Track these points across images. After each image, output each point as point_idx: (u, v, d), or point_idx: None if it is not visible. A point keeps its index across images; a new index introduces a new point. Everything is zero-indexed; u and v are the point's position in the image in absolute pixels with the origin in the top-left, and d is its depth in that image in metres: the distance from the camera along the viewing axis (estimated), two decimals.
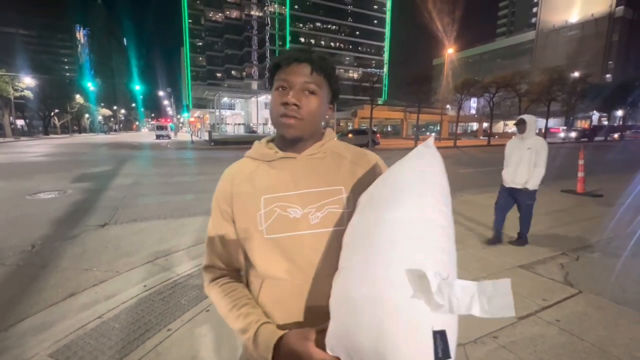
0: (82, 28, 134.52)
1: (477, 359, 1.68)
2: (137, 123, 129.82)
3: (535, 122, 3.08)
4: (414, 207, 0.54)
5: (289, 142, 0.72)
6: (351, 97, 57.13)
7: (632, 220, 4.18)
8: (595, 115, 48.96)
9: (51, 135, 43.21)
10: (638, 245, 3.30)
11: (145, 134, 61.65)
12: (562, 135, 34.46)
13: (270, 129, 63.13)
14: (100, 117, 71.40)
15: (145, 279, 2.69)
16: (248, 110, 62.25)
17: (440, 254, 0.51)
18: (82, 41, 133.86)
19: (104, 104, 76.64)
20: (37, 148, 19.69)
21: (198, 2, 75.60)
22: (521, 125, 3.04)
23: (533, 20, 71.60)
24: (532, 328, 1.91)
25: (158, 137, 36.70)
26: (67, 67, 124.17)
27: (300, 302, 0.67)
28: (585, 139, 31.68)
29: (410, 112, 37.85)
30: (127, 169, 10.05)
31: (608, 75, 54.28)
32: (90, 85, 57.65)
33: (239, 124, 62.88)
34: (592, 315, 2.05)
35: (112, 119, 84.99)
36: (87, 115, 61.16)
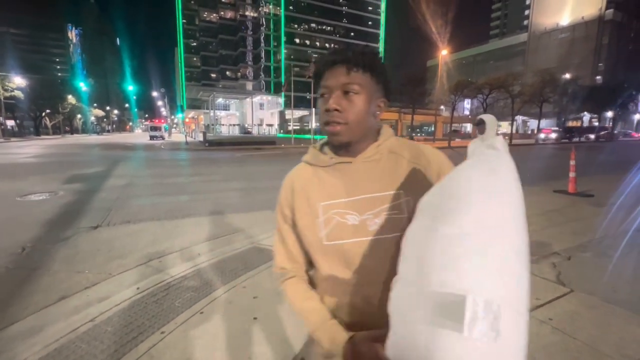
0: (74, 27, 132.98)
1: None
2: (130, 124, 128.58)
3: (495, 122, 3.08)
4: (472, 222, 0.47)
5: (339, 147, 0.71)
6: None
7: (623, 220, 4.24)
8: (586, 117, 49.76)
9: (42, 136, 42.58)
10: (628, 245, 3.35)
11: (138, 135, 61.09)
12: (542, 136, 34.71)
13: (265, 129, 63.22)
14: (92, 118, 70.60)
15: (139, 281, 2.66)
16: (243, 110, 62.11)
17: (504, 277, 0.44)
18: (74, 41, 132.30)
19: (96, 105, 75.79)
20: (28, 149, 19.39)
21: (192, 2, 75.17)
22: (480, 126, 3.06)
23: (525, 22, 72.53)
24: None
25: (152, 137, 36.37)
26: (58, 66, 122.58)
27: (361, 305, 0.68)
28: (566, 140, 32.09)
29: (405, 113, 38.06)
30: (120, 170, 9.94)
31: (598, 77, 55.16)
32: (83, 86, 57.03)
33: (234, 125, 62.76)
34: (584, 314, 2.08)
35: (104, 120, 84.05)
36: (79, 116, 60.45)
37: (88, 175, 8.65)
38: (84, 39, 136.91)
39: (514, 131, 36.85)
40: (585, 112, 44.03)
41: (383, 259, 0.65)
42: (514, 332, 0.43)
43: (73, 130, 60.59)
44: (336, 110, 0.66)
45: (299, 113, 53.77)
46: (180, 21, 76.74)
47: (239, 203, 5.61)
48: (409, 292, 0.50)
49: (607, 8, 57.66)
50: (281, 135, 50.03)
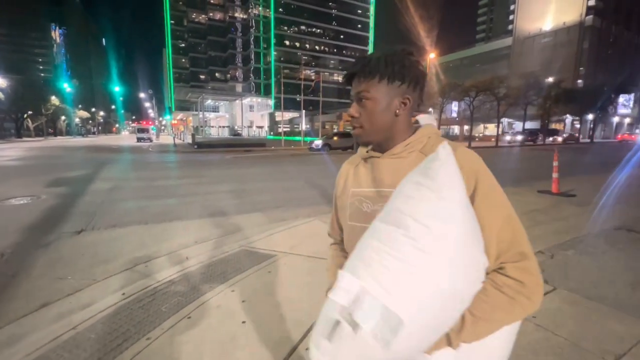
0: (57, 27, 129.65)
1: None
2: (117, 126, 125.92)
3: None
4: (391, 218, 0.57)
5: (376, 145, 0.81)
6: (336, 100, 57.53)
7: (603, 218, 4.39)
8: (569, 119, 51.25)
9: (24, 138, 41.31)
10: (608, 243, 3.47)
11: (125, 137, 59.87)
12: (507, 138, 35.37)
13: (255, 131, 62.86)
14: (77, 120, 68.84)
15: (124, 287, 2.61)
16: (233, 112, 61.67)
17: (385, 270, 0.53)
18: (58, 41, 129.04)
19: (81, 106, 73.95)
20: (9, 152, 18.77)
21: (180, 3, 74.38)
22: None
23: (510, 27, 74.37)
24: None
25: (139, 140, 35.70)
26: (41, 67, 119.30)
27: None
28: (531, 142, 32.76)
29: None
30: (106, 173, 9.73)
31: (579, 81, 56.93)
32: (67, 86, 55.61)
33: (223, 127, 62.24)
34: (566, 311, 2.14)
35: (90, 122, 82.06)
36: (63, 118, 58.92)
37: (72, 179, 8.44)
38: (68, 39, 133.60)
39: (499, 132, 37.64)
40: (568, 115, 45.35)
41: None
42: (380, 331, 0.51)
43: (57, 132, 58.95)
44: (353, 116, 0.76)
45: (289, 115, 53.70)
46: (168, 22, 75.80)
47: (229, 205, 5.56)
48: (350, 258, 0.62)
49: (587, 14, 59.67)
50: (271, 137, 49.85)
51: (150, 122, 50.96)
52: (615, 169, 9.83)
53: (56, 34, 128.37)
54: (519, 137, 34.29)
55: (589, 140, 41.96)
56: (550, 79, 36.03)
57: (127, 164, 13.46)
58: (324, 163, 13.53)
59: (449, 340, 0.62)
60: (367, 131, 0.76)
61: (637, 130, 56.28)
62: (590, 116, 41.79)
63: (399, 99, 0.74)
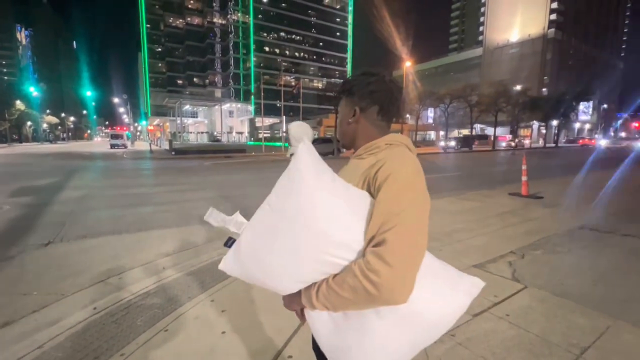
0: (23, 28, 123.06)
1: (436, 357, 1.76)
2: (88, 131, 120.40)
3: (299, 131, 3.18)
4: (270, 196, 0.78)
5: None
6: (316, 106, 57.92)
7: (568, 219, 4.66)
8: (536, 125, 54.19)
9: None
10: (572, 242, 3.68)
11: (97, 143, 57.32)
12: (442, 144, 35.40)
13: (235, 137, 61.91)
14: (45, 125, 65.24)
15: (95, 301, 2.49)
16: (212, 118, 60.58)
17: (253, 220, 0.80)
18: (24, 42, 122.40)
19: (49, 111, 70.19)
20: None
21: (157, 7, 72.74)
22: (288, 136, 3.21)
23: (480, 38, 78.11)
24: (485, 324, 2.05)
25: (113, 146, 34.27)
26: (5, 70, 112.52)
27: None
28: (467, 148, 32.82)
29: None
30: (77, 181, 9.27)
31: (544, 89, 60.49)
32: (33, 90, 52.72)
33: (202, 133, 60.93)
34: (536, 308, 2.24)
35: (59, 127, 78.01)
36: (29, 123, 55.70)
37: (39, 187, 7.97)
38: (36, 41, 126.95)
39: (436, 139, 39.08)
40: (535, 121, 47.98)
41: None
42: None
43: (22, 139, 55.55)
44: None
45: (269, 121, 53.45)
46: (144, 26, 73.81)
47: None
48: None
49: (549, 27, 63.81)
50: (252, 143, 49.34)
51: (124, 128, 49.11)
52: (578, 172, 10.47)
53: (22, 36, 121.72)
54: (452, 143, 33.78)
55: (554, 145, 44.49)
56: (518, 87, 38.05)
57: (99, 171, 12.89)
58: None
59: (310, 295, 0.74)
60: (343, 139, 0.97)
61: (596, 135, 60.28)
62: (554, 122, 44.40)
63: (351, 110, 0.92)
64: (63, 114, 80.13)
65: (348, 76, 0.96)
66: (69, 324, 2.15)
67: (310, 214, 0.70)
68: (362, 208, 0.73)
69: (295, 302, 0.82)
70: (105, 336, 2.02)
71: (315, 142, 21.65)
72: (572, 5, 64.33)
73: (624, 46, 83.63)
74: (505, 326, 2.03)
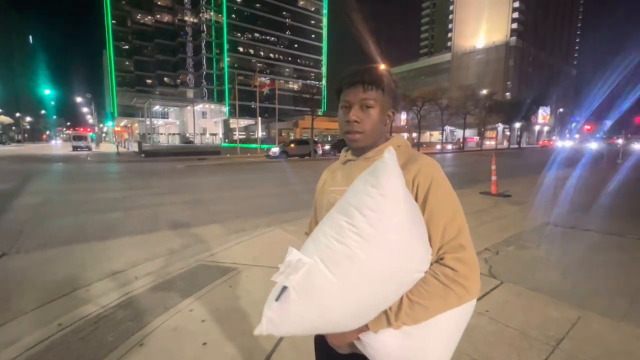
0: None
1: None
2: (47, 133, 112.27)
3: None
4: (342, 208, 0.70)
5: (354, 150, 0.90)
6: (292, 108, 57.74)
7: (535, 215, 4.93)
8: (500, 127, 57.34)
9: None
10: (540, 238, 3.89)
11: (58, 146, 53.56)
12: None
13: (209, 139, 60.37)
14: None
15: (60, 316, 2.28)
16: (184, 119, 58.55)
17: (329, 251, 0.65)
18: None
19: (2, 111, 64.63)
20: None
21: (123, 2, 69.33)
22: None
23: (449, 44, 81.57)
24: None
25: (75, 148, 32.15)
26: None
27: None
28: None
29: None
30: (34, 186, 8.58)
31: (508, 94, 64.20)
32: None
33: (174, 134, 58.73)
34: (513, 303, 2.34)
35: (13, 128, 72.09)
36: None
37: None
38: None
39: (443, 139, 40.81)
40: (500, 124, 50.78)
41: None
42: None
43: None
44: (356, 121, 0.82)
45: (244, 122, 52.55)
46: (109, 21, 69.97)
47: (183, 217, 5.22)
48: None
49: (511, 35, 67.91)
50: (226, 144, 48.26)
51: (88, 129, 46.24)
52: (541, 171, 11.16)
53: None
54: None
55: (517, 146, 47.26)
56: (484, 92, 40.11)
57: (60, 175, 12.02)
58: (282, 170, 13.41)
59: (388, 319, 0.70)
60: (366, 136, 0.84)
61: (554, 137, 64.76)
62: (517, 125, 47.22)
63: (388, 112, 0.86)
64: (18, 114, 74.18)
65: (379, 68, 0.85)
66: (28, 344, 1.96)
67: (407, 234, 0.66)
68: (420, 216, 0.73)
69: (349, 335, 0.73)
70: (71, 356, 1.86)
71: (292, 143, 21.53)
72: (531, 15, 68.86)
73: (576, 55, 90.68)
74: (485, 322, 2.09)
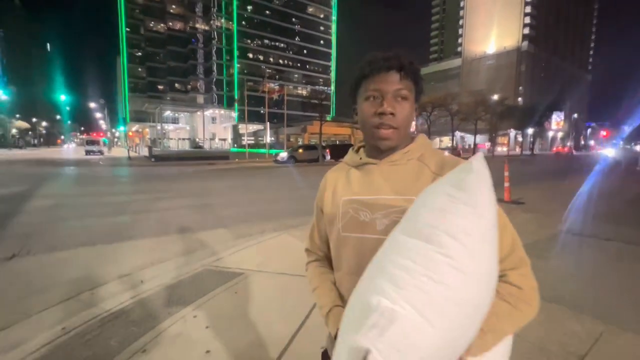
0: None
1: None
2: (62, 137, 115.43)
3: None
4: (421, 233, 0.52)
5: (377, 149, 0.74)
6: (300, 114, 58.02)
7: (550, 224, 4.75)
8: (512, 133, 56.45)
9: None
10: (558, 247, 3.74)
11: (72, 150, 54.96)
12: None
13: (218, 144, 61.08)
14: (14, 131, 61.96)
15: (64, 320, 2.26)
16: (193, 124, 59.44)
17: (422, 294, 0.48)
18: None
19: (20, 116, 66.79)
20: None
21: (137, 11, 71.28)
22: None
23: (459, 49, 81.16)
24: None
25: (88, 152, 32.90)
26: None
27: None
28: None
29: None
30: (47, 189, 8.74)
31: (520, 99, 63.32)
32: (2, 94, 50.18)
33: (184, 139, 59.63)
34: None
35: (30, 133, 74.35)
36: None
37: (3, 196, 7.45)
38: (7, 43, 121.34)
39: (453, 145, 40.32)
40: (512, 129, 50.00)
41: None
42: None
43: None
44: (391, 114, 0.69)
45: (253, 127, 53.05)
46: (123, 29, 71.99)
47: (190, 222, 5.22)
48: (358, 291, 0.56)
49: (523, 40, 67.23)
50: (235, 149, 48.73)
51: (101, 134, 47.35)
52: (555, 178, 10.87)
53: None
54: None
55: (530, 153, 46.39)
56: (495, 97, 39.61)
57: (73, 178, 12.26)
58: (290, 175, 13.40)
59: (482, 347, 0.60)
60: (401, 133, 0.72)
61: (568, 144, 63.43)
62: (530, 130, 46.43)
63: (416, 106, 0.76)
64: (34, 119, 76.50)
65: (408, 57, 0.71)
66: (32, 348, 1.93)
67: (495, 253, 0.54)
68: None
69: None
70: None
71: (300, 148, 21.58)
72: (544, 20, 68.11)
73: (590, 60, 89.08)
74: None
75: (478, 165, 0.54)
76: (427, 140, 0.78)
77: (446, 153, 0.78)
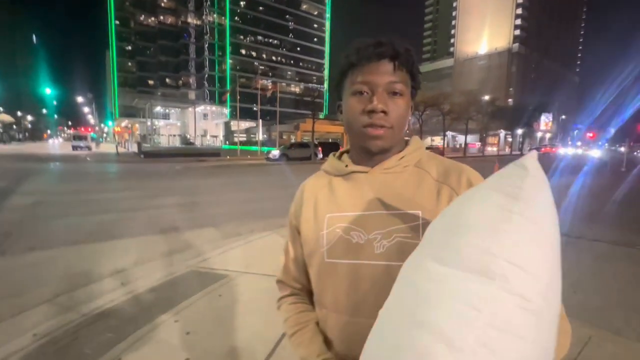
0: None
1: None
2: (48, 132, 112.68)
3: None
4: (470, 261, 0.36)
5: (367, 154, 0.62)
6: (293, 111, 57.78)
7: None
8: (502, 134, 57.25)
9: None
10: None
11: (58, 145, 53.67)
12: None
13: (209, 140, 60.46)
14: None
15: (38, 325, 2.15)
16: (185, 120, 58.64)
17: (489, 354, 0.32)
18: None
19: (3, 109, 64.84)
20: None
21: (127, 3, 69.77)
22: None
23: (451, 49, 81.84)
24: None
25: (75, 148, 32.13)
26: None
27: (356, 340, 0.53)
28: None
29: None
30: (29, 186, 8.46)
31: (510, 100, 64.27)
32: None
33: (175, 135, 58.79)
34: None
35: (14, 127, 72.30)
36: None
37: None
38: None
39: (445, 145, 40.68)
40: (502, 130, 50.69)
41: (383, 289, 0.49)
42: None
43: None
44: (383, 112, 0.57)
45: (245, 124, 52.59)
46: (112, 22, 70.38)
47: (177, 220, 5.09)
48: (381, 331, 0.41)
49: (514, 42, 68.18)
50: (227, 146, 48.26)
51: (89, 129, 46.32)
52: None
53: None
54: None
55: (519, 153, 47.14)
56: (487, 97, 40.05)
57: (57, 175, 11.92)
58: (282, 173, 13.30)
59: None
60: (395, 133, 0.60)
61: (556, 143, 64.71)
62: (519, 131, 47.13)
63: (411, 103, 0.64)
64: (20, 113, 74.41)
65: (403, 42, 0.59)
66: None
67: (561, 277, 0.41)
68: None
69: None
70: None
71: (292, 146, 21.46)
72: (534, 22, 69.13)
73: (579, 62, 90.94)
74: None
75: (533, 166, 0.40)
76: (422, 143, 0.67)
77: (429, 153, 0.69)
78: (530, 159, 0.41)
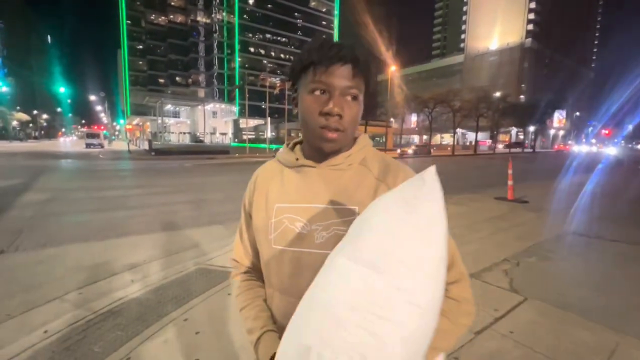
0: None
1: None
2: (63, 130, 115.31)
3: None
4: (367, 258, 0.44)
5: (319, 152, 0.65)
6: None
7: (556, 223, 4.63)
8: (514, 131, 56.12)
9: None
10: (564, 248, 3.62)
11: (72, 142, 54.82)
12: (398, 150, 31.83)
13: (219, 138, 60.87)
14: (15, 123, 61.76)
15: (48, 322, 2.15)
16: (194, 118, 59.17)
17: (371, 337, 0.41)
18: None
19: (20, 108, 66.54)
20: None
21: (138, 3, 70.59)
22: None
23: (462, 45, 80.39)
24: (489, 343, 1.87)
25: (88, 145, 32.74)
26: None
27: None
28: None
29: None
30: (43, 183, 8.62)
31: (522, 97, 62.85)
32: (1, 85, 49.92)
33: (185, 133, 59.43)
34: (540, 323, 2.10)
35: (31, 125, 74.15)
36: None
37: None
38: (6, 34, 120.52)
39: (455, 142, 40.09)
40: (513, 127, 49.68)
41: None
42: None
43: None
44: (339, 114, 0.60)
45: (254, 122, 52.84)
46: (124, 22, 71.34)
47: (186, 218, 5.10)
48: (291, 333, 0.49)
49: (526, 37, 66.54)
50: (235, 144, 48.56)
51: (102, 127, 47.17)
52: (558, 176, 10.73)
53: None
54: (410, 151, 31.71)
55: (531, 150, 46.15)
56: (498, 94, 39.24)
57: (70, 172, 12.14)
58: None
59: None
60: (346, 136, 0.63)
61: (570, 142, 63.11)
62: (531, 128, 46.11)
63: (362, 106, 0.66)
64: (35, 111, 76.26)
65: (361, 48, 0.62)
66: (9, 354, 1.82)
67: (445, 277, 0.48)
68: None
69: None
70: None
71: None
72: (547, 17, 67.34)
73: (594, 57, 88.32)
74: (510, 345, 1.86)
75: (430, 179, 0.47)
76: (369, 141, 0.71)
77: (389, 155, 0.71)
78: (429, 173, 0.48)
